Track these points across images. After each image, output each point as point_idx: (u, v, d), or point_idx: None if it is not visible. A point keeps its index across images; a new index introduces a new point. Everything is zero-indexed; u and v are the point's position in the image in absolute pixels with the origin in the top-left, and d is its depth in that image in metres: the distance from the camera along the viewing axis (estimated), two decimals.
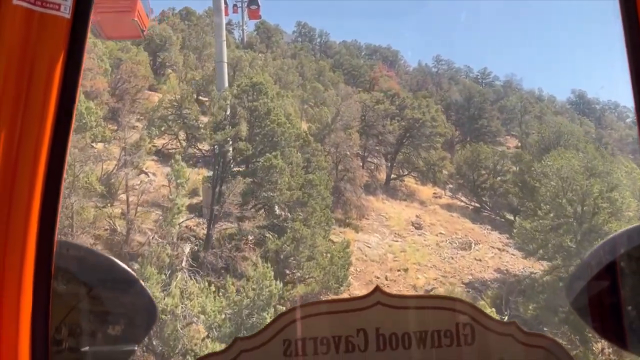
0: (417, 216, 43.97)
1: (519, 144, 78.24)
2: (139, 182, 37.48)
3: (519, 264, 37.09)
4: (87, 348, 1.86)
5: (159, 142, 48.13)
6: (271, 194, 27.63)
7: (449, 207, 47.97)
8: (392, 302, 2.44)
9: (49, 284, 1.54)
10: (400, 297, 2.55)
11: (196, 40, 77.20)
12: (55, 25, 1.51)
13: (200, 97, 63.54)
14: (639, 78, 1.56)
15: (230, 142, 29.97)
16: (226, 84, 36.41)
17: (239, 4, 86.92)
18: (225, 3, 56.60)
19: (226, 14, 63.40)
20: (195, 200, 38.05)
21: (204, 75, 62.66)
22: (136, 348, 2.04)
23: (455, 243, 39.78)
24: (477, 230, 43.44)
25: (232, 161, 30.17)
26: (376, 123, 46.00)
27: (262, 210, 28.82)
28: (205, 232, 31.37)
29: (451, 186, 49.54)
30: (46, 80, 1.51)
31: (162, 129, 46.85)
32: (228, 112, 30.85)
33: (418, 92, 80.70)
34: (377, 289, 2.46)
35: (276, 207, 28.72)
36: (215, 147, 29.52)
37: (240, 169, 29.95)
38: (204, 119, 49.93)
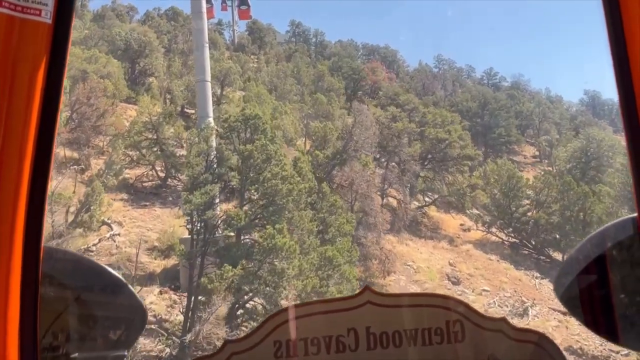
0: (450, 264, 34.23)
1: (537, 153, 68.95)
2: (96, 241, 27.37)
3: (594, 338, 27.52)
4: (76, 354, 1.74)
5: (132, 173, 37.98)
6: (274, 287, 17.69)
7: (482, 246, 38.27)
8: (382, 301, 2.28)
9: (37, 291, 1.46)
10: (390, 295, 2.45)
11: (183, 43, 66.27)
12: (36, 30, 1.44)
13: (186, 110, 53.58)
14: (624, 81, 1.49)
15: (217, 203, 20.05)
16: (210, 112, 26.31)
17: (228, 2, 76.26)
18: (210, 3, 46.00)
19: (211, 16, 52.95)
20: (171, 262, 28.04)
21: (189, 85, 52.52)
22: (126, 353, 1.86)
23: (506, 305, 30.09)
24: (525, 281, 33.80)
25: (217, 227, 20.25)
26: (397, 149, 36.05)
27: (262, 307, 18.88)
28: (182, 321, 21.55)
29: (483, 217, 39.73)
30: (29, 86, 1.43)
31: (135, 158, 36.83)
32: (212, 158, 20.87)
33: (426, 98, 71.23)
34: (366, 288, 2.31)
35: (282, 303, 18.78)
36: (193, 212, 19.58)
37: (230, 237, 19.88)
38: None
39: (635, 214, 1.65)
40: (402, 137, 39.11)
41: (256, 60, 77.02)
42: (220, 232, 20.16)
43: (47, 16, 1.44)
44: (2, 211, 1.39)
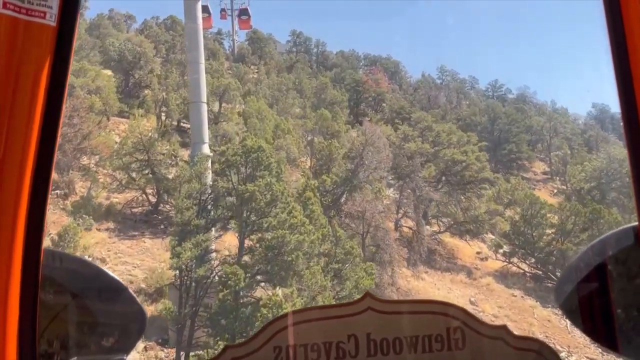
0: (472, 302, 30.39)
1: (547, 169, 65.34)
2: None
3: None
4: (75, 358, 1.71)
5: (121, 198, 34.13)
6: None
7: (503, 278, 34.51)
8: (382, 307, 2.22)
9: (36, 294, 1.44)
10: (390, 302, 2.52)
11: (181, 54, 62.55)
12: (41, 33, 1.42)
13: (183, 124, 49.82)
14: (625, 84, 1.48)
15: (212, 252, 16.17)
16: (206, 137, 22.47)
17: (227, 10, 72.56)
18: (209, 12, 42.22)
19: (208, 26, 49.24)
20: (160, 307, 24.08)
21: (187, 98, 48.82)
22: (125, 357, 1.84)
23: None
24: (554, 322, 29.98)
25: (210, 285, 16.37)
26: (412, 175, 32.23)
27: None
28: None
29: (503, 246, 35.97)
30: (32, 88, 1.40)
31: (124, 182, 33.00)
32: (206, 198, 17.00)
33: (431, 111, 67.76)
34: (367, 294, 2.25)
35: None
36: (182, 267, 15.71)
37: (227, 300, 15.97)
38: (185, 154, 36.32)
39: (636, 223, 1.59)
40: (414, 159, 35.33)
41: (256, 70, 73.64)
42: (214, 291, 16.30)
43: (51, 19, 1.41)
44: (2, 214, 1.35)
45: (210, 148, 34.30)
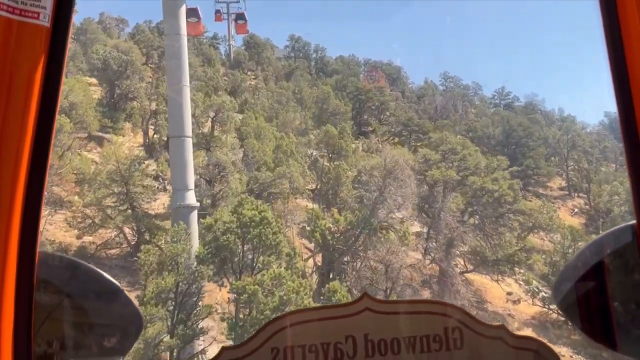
0: None
1: (564, 184, 59.85)
2: None
3: None
4: None
5: (95, 237, 28.22)
6: None
7: (543, 329, 28.88)
8: (380, 307, 2.14)
9: (31, 297, 1.41)
10: (388, 302, 2.42)
11: None
12: (34, 33, 1.39)
13: None
14: (622, 85, 1.46)
15: None
16: (191, 183, 16.59)
17: (223, 13, 66.47)
18: (198, 16, 36.04)
19: (198, 33, 43.07)
20: None
21: None
22: (122, 359, 1.80)
23: None
24: None
25: None
26: (442, 213, 26.38)
27: None
28: None
29: (542, 292, 30.29)
30: (26, 89, 1.37)
31: (98, 220, 27.08)
32: (184, 288, 11.17)
33: (440, 121, 62.30)
34: (364, 294, 2.18)
35: None
36: None
37: None
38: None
39: (634, 221, 1.60)
40: (437, 186, 29.55)
41: (254, 77, 67.86)
42: None
43: (45, 19, 1.38)
44: None
45: (200, 177, 28.27)
